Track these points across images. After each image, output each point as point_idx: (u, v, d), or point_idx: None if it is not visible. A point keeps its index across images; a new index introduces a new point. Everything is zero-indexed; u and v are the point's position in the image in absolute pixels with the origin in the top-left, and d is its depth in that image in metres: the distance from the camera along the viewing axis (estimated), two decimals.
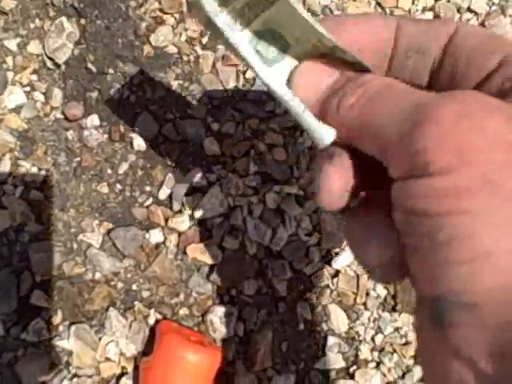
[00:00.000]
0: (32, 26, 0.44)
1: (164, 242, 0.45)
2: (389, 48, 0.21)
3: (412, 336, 0.48)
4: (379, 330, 0.48)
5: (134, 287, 0.45)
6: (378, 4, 0.49)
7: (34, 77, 0.45)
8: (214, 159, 0.46)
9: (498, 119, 0.15)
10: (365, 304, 0.48)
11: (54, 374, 0.44)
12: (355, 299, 0.47)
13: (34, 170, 0.44)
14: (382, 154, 0.17)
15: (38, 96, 0.45)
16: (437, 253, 0.15)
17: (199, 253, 0.46)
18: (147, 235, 0.45)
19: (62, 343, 0.44)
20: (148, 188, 0.45)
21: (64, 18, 0.44)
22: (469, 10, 0.50)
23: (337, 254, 0.47)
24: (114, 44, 0.45)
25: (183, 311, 0.46)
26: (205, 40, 0.46)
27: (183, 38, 0.45)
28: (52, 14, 0.45)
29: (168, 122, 0.45)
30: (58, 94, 0.45)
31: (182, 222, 0.45)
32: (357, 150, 0.19)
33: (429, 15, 0.50)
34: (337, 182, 0.19)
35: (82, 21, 0.45)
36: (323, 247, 0.47)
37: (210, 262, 0.46)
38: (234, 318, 0.46)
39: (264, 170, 0.46)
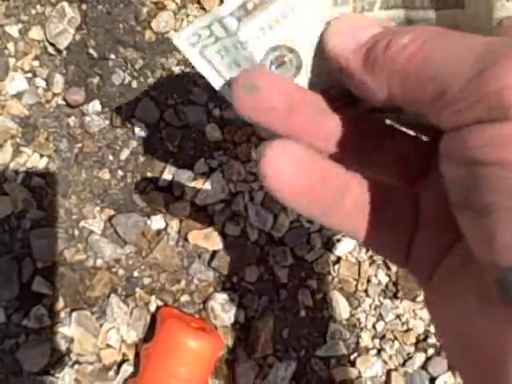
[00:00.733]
0: (33, 11, 0.44)
1: (165, 229, 0.45)
2: None
3: (413, 323, 0.48)
4: (380, 317, 0.48)
5: (136, 274, 0.45)
6: None
7: (36, 63, 0.45)
8: (216, 145, 0.46)
9: None
10: (366, 291, 0.48)
11: (56, 361, 0.43)
12: (356, 286, 0.47)
13: (36, 156, 0.44)
14: (436, 101, 0.15)
15: (40, 82, 0.45)
16: None
17: (200, 239, 0.45)
18: (149, 222, 0.45)
19: (63, 330, 0.44)
20: (149, 174, 0.45)
21: (65, 3, 0.44)
22: None
23: (338, 240, 0.47)
24: (115, 29, 0.45)
25: (184, 298, 0.46)
26: None
27: (184, 23, 0.45)
28: None
29: (169, 107, 0.45)
30: (59, 79, 0.44)
31: (184, 209, 0.45)
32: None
33: None
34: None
35: (84, 6, 0.45)
36: (325, 234, 0.47)
37: (211, 248, 0.46)
38: (235, 305, 0.46)
39: None
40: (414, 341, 0.48)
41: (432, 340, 0.48)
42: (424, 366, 0.48)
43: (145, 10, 0.45)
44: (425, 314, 0.48)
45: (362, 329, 0.48)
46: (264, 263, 0.46)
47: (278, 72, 0.18)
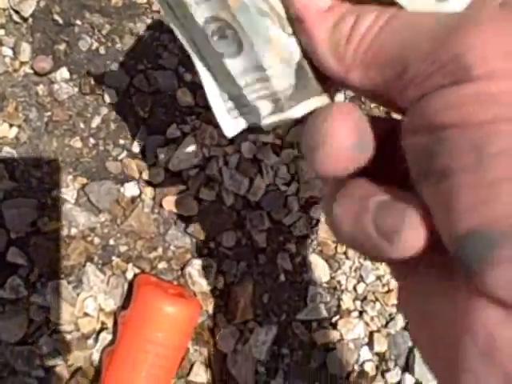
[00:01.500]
0: None
1: (140, 196, 0.45)
2: None
3: (394, 284, 0.47)
4: (361, 279, 0.47)
5: (111, 242, 0.45)
6: None
7: (2, 31, 0.44)
8: (188, 110, 0.45)
9: None
10: (346, 253, 0.47)
11: (33, 331, 0.43)
12: (336, 248, 0.47)
13: (5, 126, 0.44)
14: (402, 74, 0.14)
15: (7, 51, 0.44)
16: (486, 171, 0.12)
17: (176, 205, 0.45)
18: (122, 189, 0.45)
19: (39, 300, 0.43)
20: (121, 141, 0.45)
21: None
22: None
23: (316, 202, 0.47)
24: None
25: (162, 265, 0.45)
26: None
27: None
28: None
29: (139, 72, 0.45)
30: (26, 48, 0.44)
31: (157, 175, 0.45)
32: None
33: None
34: (344, 129, 0.15)
35: None
36: (302, 196, 0.46)
37: (186, 214, 0.45)
38: (214, 271, 0.45)
39: None
40: (395, 302, 0.47)
41: None
42: (406, 327, 0.47)
43: None
44: None
45: (342, 291, 0.47)
46: (241, 228, 0.46)
47: (219, 44, 0.18)
